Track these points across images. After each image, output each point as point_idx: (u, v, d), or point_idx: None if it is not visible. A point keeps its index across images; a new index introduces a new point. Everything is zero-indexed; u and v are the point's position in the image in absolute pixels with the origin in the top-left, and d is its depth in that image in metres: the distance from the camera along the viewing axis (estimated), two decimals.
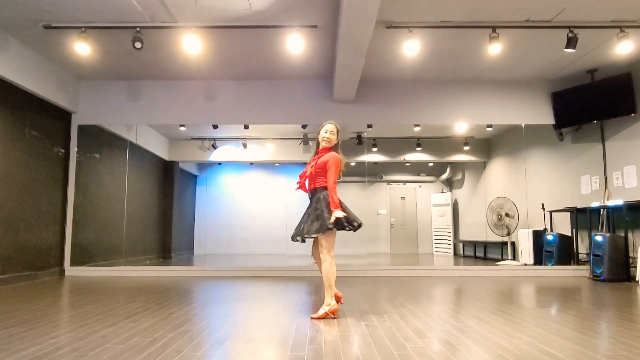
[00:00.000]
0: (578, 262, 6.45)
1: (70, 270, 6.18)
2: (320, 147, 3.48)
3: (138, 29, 4.77)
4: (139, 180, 7.56)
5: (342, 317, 3.19)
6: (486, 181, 8.80)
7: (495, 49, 4.87)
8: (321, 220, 3.25)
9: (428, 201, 10.07)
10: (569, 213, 6.69)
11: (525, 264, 6.84)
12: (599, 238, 5.62)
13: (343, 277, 5.91)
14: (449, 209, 9.72)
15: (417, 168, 10.11)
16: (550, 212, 6.93)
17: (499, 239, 7.79)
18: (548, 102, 6.60)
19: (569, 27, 4.81)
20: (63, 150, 6.25)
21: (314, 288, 4.79)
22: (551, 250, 6.43)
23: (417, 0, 4.35)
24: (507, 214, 7.54)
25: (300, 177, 3.56)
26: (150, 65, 5.99)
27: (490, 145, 8.71)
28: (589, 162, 6.53)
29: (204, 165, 9.75)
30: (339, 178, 3.41)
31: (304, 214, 3.46)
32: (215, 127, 7.03)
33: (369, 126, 6.80)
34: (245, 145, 8.24)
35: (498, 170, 8.45)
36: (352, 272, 6.19)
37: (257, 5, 4.41)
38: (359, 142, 7.51)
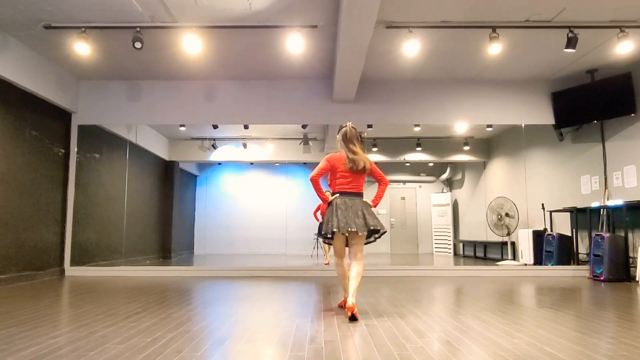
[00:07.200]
0: (578, 262, 6.45)
1: (70, 270, 6.18)
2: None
3: (138, 29, 4.77)
4: (139, 180, 7.56)
5: (342, 317, 3.19)
6: (486, 181, 8.80)
7: (495, 49, 4.87)
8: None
9: (428, 201, 10.06)
10: (569, 213, 6.69)
11: (525, 264, 6.84)
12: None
13: None
14: (449, 209, 9.72)
15: (417, 168, 10.11)
16: (550, 212, 6.93)
17: (499, 239, 7.79)
18: (548, 102, 6.60)
19: (569, 27, 4.81)
20: (63, 150, 6.25)
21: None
22: (551, 250, 6.43)
23: (417, 0, 4.35)
24: (507, 214, 7.54)
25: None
26: (150, 65, 5.99)
27: (490, 145, 8.71)
28: (589, 162, 6.53)
29: (204, 165, 9.75)
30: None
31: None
32: (215, 127, 7.03)
33: (369, 126, 6.80)
34: (245, 145, 8.24)
35: (498, 170, 8.45)
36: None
37: (257, 5, 4.41)
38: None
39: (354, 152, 3.55)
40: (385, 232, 3.54)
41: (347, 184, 3.55)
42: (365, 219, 3.41)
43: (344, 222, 3.36)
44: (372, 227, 3.39)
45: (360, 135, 3.85)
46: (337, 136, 3.69)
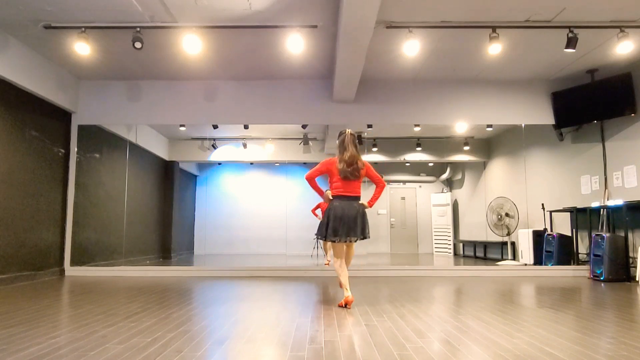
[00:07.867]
0: (578, 262, 6.45)
1: (70, 270, 6.18)
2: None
3: (138, 29, 4.77)
4: (139, 180, 7.56)
5: (342, 317, 3.19)
6: (486, 181, 8.80)
7: (495, 49, 4.87)
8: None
9: (428, 201, 10.07)
10: (569, 213, 6.69)
11: (525, 264, 6.84)
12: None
13: None
14: (449, 209, 9.72)
15: (417, 168, 10.11)
16: (550, 212, 6.93)
17: (499, 239, 7.79)
18: (548, 102, 6.60)
19: (569, 27, 4.81)
20: (63, 150, 6.25)
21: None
22: (551, 250, 6.43)
23: (417, 0, 4.35)
24: (507, 214, 7.54)
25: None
26: (150, 65, 5.99)
27: (490, 145, 8.71)
28: (589, 162, 6.53)
29: (204, 165, 9.75)
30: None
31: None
32: (215, 127, 7.03)
33: (369, 126, 6.80)
34: (245, 145, 8.24)
35: (498, 170, 8.45)
36: (352, 272, 6.18)
37: (257, 5, 4.41)
38: (359, 142, 7.50)
39: (347, 158, 3.71)
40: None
41: (344, 188, 3.70)
42: (363, 228, 3.69)
43: (343, 231, 3.62)
44: (362, 237, 3.70)
45: (360, 137, 4.03)
46: (337, 142, 3.87)
